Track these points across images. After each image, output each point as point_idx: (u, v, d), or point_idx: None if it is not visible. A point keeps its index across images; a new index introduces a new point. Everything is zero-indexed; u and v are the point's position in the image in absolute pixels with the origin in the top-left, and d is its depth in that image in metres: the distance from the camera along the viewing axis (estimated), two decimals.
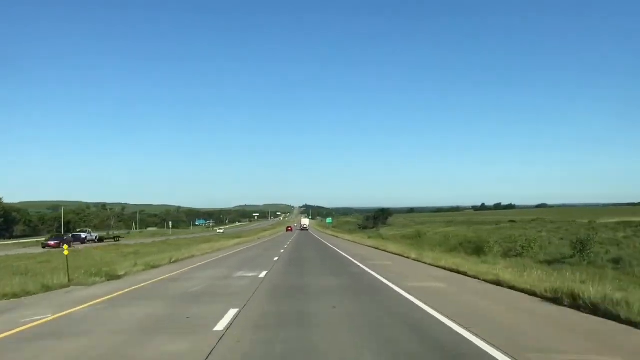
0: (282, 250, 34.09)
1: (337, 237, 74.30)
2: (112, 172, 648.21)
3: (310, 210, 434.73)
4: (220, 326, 7.63)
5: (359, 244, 46.98)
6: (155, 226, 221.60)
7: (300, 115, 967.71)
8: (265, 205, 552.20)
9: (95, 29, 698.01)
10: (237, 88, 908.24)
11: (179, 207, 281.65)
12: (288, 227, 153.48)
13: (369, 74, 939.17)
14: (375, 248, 36.03)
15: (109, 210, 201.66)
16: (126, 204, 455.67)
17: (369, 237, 68.46)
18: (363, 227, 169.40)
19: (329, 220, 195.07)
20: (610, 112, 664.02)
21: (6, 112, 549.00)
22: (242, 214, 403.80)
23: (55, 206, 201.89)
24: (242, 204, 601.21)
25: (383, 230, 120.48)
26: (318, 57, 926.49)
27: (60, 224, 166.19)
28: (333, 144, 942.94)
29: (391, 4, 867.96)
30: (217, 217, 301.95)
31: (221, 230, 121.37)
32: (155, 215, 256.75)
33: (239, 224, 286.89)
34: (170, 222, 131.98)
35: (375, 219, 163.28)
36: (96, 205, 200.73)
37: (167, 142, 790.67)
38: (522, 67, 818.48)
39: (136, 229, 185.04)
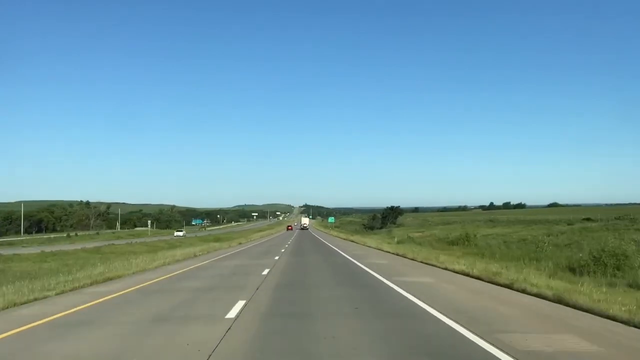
0: (261, 282, 13.31)
1: (351, 241, 51.18)
2: (110, 171, 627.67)
3: (310, 210, 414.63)
4: None
5: (410, 260, 23.68)
6: (147, 226, 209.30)
7: (300, 115, 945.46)
8: (264, 205, 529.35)
9: (91, 26, 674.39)
10: (237, 88, 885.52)
11: (173, 206, 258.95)
12: (288, 226, 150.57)
13: (369, 74, 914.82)
14: (489, 282, 13.20)
15: (92, 208, 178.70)
16: (124, 203, 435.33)
17: (399, 242, 45.70)
18: (369, 227, 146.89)
19: (331, 219, 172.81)
20: (617, 112, 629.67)
21: (5, 111, 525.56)
22: (241, 214, 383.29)
23: (51, 205, 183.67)
24: (242, 203, 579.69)
25: (399, 232, 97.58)
26: (318, 56, 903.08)
27: (30, 222, 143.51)
28: (333, 143, 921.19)
29: (394, 2, 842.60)
30: (215, 216, 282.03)
31: (180, 233, 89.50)
32: (150, 214, 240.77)
33: (235, 224, 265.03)
34: (149, 222, 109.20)
35: (383, 218, 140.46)
36: (79, 203, 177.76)
37: (166, 141, 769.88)
38: (519, 66, 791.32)
39: (119, 228, 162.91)
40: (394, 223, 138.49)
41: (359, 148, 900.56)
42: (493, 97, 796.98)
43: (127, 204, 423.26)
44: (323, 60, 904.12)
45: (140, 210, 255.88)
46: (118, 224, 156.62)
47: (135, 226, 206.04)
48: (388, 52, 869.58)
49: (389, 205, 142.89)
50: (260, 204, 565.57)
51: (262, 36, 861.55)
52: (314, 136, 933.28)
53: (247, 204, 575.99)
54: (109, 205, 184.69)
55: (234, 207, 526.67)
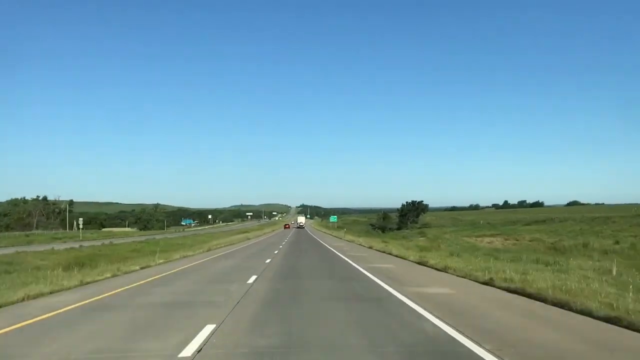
0: None
1: (451, 272, 14.13)
2: (107, 172, 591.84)
3: (308, 210, 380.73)
4: None
5: None
6: (131, 226, 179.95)
7: (298, 116, 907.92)
8: (261, 205, 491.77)
9: (81, 26, 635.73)
10: (237, 90, 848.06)
11: (157, 205, 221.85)
12: (286, 224, 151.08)
13: (369, 74, 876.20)
14: None
15: (51, 204, 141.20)
16: (118, 202, 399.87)
17: None
18: (380, 228, 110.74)
19: (333, 218, 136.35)
20: (628, 111, 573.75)
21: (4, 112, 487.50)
22: (236, 214, 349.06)
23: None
24: (238, 203, 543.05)
25: (446, 235, 60.99)
26: (317, 56, 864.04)
27: None
28: (331, 144, 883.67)
29: (395, 3, 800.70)
30: (206, 216, 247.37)
31: None
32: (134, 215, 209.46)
33: (223, 223, 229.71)
34: (81, 220, 72.13)
35: (402, 217, 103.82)
36: (34, 200, 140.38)
37: (163, 141, 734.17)
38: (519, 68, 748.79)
39: (77, 228, 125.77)
40: (416, 222, 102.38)
41: (357, 148, 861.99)
42: (493, 98, 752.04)
43: (120, 203, 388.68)
44: (321, 61, 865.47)
45: (133, 210, 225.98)
46: (67, 224, 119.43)
47: (103, 226, 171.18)
48: (390, 51, 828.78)
49: (410, 200, 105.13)
50: (257, 204, 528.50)
51: (259, 37, 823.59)
52: (312, 136, 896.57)
53: (244, 204, 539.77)
54: (70, 201, 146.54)
55: (231, 207, 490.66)
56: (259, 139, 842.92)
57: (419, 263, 17.64)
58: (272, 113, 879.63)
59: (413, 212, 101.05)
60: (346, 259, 20.10)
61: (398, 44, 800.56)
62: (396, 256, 21.59)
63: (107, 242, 47.69)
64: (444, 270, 14.60)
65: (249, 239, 54.56)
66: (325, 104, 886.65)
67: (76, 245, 42.90)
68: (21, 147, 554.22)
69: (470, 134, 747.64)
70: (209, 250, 29.49)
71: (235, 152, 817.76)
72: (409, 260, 19.11)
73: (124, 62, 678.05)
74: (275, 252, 26.12)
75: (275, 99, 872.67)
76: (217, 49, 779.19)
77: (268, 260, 19.36)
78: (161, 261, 19.27)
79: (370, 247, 29.28)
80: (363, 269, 15.43)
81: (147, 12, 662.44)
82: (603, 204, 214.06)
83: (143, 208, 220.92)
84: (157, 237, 63.94)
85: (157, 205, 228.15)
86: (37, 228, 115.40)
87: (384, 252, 25.32)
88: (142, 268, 16.88)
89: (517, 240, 41.82)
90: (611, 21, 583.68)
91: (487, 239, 47.45)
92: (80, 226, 72.14)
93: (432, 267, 15.85)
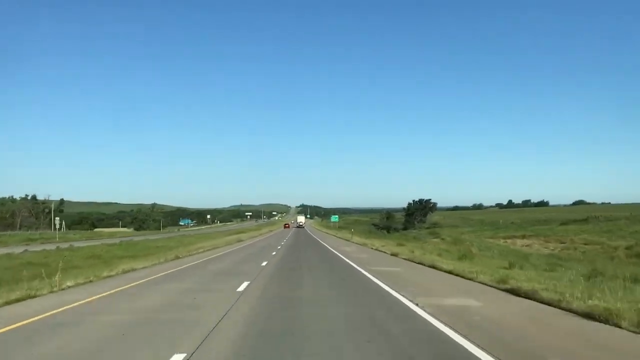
0: None
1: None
2: (107, 171, 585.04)
3: (308, 210, 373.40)
4: None
5: None
6: (127, 226, 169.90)
7: (298, 116, 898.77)
8: (261, 204, 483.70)
9: (81, 26, 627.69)
10: (238, 90, 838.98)
11: (154, 204, 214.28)
12: (285, 224, 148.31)
13: (369, 74, 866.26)
14: None
15: (41, 204, 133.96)
16: (117, 202, 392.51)
17: None
18: (384, 228, 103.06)
19: (334, 217, 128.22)
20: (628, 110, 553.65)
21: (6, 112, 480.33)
22: (236, 214, 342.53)
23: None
24: (238, 203, 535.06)
25: (469, 236, 53.65)
26: (317, 55, 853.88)
27: None
28: (331, 144, 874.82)
29: (395, 3, 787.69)
30: (204, 216, 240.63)
31: None
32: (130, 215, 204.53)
33: (220, 223, 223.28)
34: (60, 219, 64.66)
35: (408, 216, 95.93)
36: (23, 199, 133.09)
37: (163, 140, 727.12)
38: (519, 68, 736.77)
39: (64, 229, 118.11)
40: (423, 221, 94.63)
41: (358, 148, 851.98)
42: (493, 98, 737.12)
43: (120, 203, 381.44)
44: (321, 61, 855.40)
45: (132, 210, 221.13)
46: (53, 224, 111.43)
47: (95, 226, 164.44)
48: (390, 51, 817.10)
49: (417, 199, 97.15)
50: (257, 204, 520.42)
51: (259, 37, 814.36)
52: (311, 137, 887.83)
53: (243, 203, 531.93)
54: (61, 201, 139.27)
55: (230, 207, 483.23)
56: (259, 139, 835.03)
57: (510, 291, 9.84)
58: (272, 113, 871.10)
59: (420, 211, 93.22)
60: (376, 280, 12.07)
61: (398, 44, 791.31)
62: (450, 273, 13.70)
63: (79, 244, 39.98)
64: (601, 318, 6.83)
65: (240, 240, 46.80)
66: (325, 104, 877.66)
67: (38, 248, 35.33)
68: (20, 146, 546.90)
69: (471, 134, 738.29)
70: (176, 258, 21.64)
71: (235, 152, 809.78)
72: (484, 284, 11.25)
73: (124, 62, 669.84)
74: (264, 263, 18.22)
75: (275, 99, 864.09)
76: (217, 49, 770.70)
77: (243, 286, 11.15)
78: (70, 284, 11.41)
79: (395, 255, 21.39)
80: (434, 318, 7.21)
81: (147, 12, 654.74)
82: (609, 203, 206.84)
83: (140, 208, 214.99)
84: (137, 238, 56.07)
85: (154, 205, 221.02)
86: (20, 228, 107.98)
87: (420, 263, 17.44)
88: (8, 303, 9.03)
89: (562, 242, 34.06)
90: (611, 21, 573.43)
91: (519, 241, 39.72)
92: (57, 226, 64.60)
93: (558, 307, 8.02)
